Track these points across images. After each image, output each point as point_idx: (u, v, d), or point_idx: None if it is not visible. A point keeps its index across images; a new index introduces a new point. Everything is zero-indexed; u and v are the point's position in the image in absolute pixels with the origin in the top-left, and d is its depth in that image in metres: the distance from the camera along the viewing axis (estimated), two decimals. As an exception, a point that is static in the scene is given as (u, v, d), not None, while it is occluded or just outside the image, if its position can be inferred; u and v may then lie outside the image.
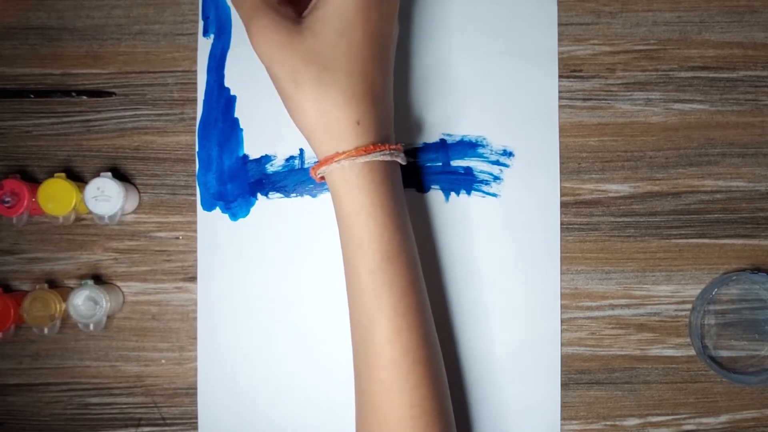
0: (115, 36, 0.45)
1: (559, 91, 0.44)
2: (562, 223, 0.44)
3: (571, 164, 0.44)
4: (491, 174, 0.44)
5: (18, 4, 0.45)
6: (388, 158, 0.36)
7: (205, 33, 0.45)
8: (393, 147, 0.37)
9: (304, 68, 0.35)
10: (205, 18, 0.45)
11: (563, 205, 0.44)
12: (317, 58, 0.35)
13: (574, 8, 0.45)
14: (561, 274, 0.44)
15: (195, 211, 0.44)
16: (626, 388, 0.44)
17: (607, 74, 0.45)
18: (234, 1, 0.36)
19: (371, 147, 0.35)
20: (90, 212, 0.42)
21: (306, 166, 0.44)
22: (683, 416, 0.44)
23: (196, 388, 0.44)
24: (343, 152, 0.35)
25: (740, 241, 0.44)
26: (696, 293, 0.44)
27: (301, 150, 0.44)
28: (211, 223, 0.44)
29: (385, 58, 0.37)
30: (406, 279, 0.37)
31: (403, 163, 0.38)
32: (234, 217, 0.44)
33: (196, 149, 0.45)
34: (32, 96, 0.44)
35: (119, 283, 0.44)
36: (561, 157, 0.44)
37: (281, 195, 0.44)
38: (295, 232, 0.44)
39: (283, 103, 0.37)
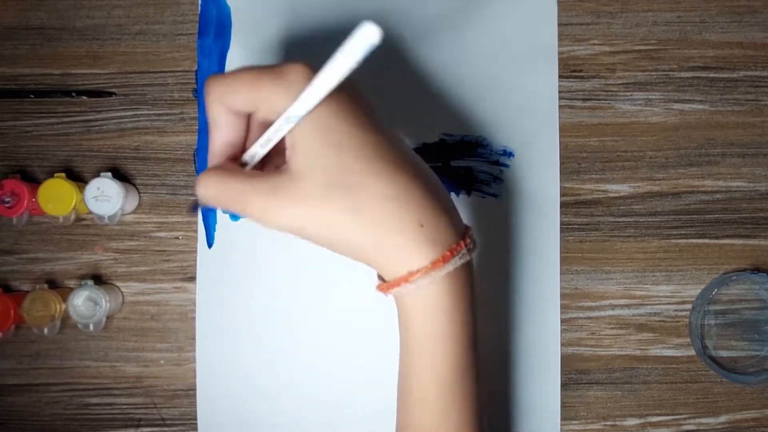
0: (115, 36, 0.45)
1: (559, 91, 0.44)
2: (562, 223, 0.44)
3: (571, 164, 0.44)
4: (491, 174, 0.44)
5: (18, 4, 0.45)
6: (467, 258, 0.31)
7: (206, 33, 0.45)
8: (468, 237, 0.31)
9: (331, 207, 0.30)
10: (206, 18, 0.45)
11: (563, 205, 0.44)
12: (335, 189, 0.30)
13: (574, 8, 0.45)
14: (561, 274, 0.44)
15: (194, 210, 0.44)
16: (626, 388, 0.44)
17: (607, 74, 0.45)
18: (225, 200, 0.31)
19: (447, 254, 0.30)
20: (90, 212, 0.42)
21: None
22: (683, 416, 0.44)
23: (195, 389, 0.44)
24: (417, 270, 0.30)
25: (740, 241, 0.44)
26: (696, 293, 0.44)
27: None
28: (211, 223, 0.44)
29: (393, 141, 0.32)
30: (475, 391, 0.33)
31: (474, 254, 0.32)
32: (234, 217, 0.44)
33: (196, 149, 0.45)
34: (32, 96, 0.44)
35: (119, 284, 0.44)
36: (561, 157, 0.44)
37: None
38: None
39: (329, 249, 0.32)
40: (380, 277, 0.33)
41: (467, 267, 0.32)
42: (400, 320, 0.32)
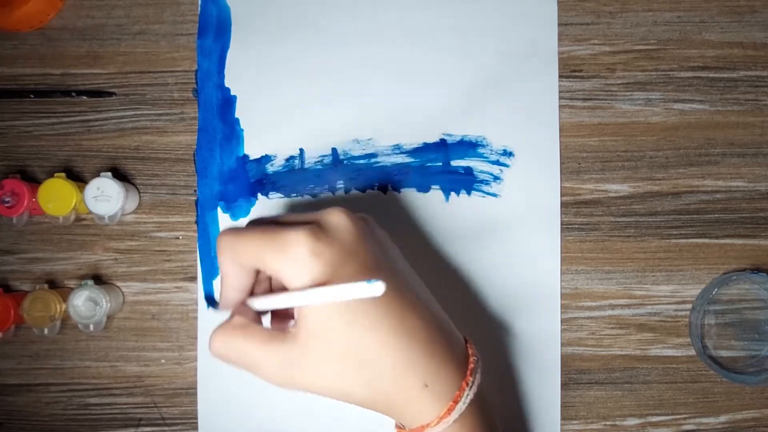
0: (115, 36, 0.45)
1: (559, 91, 0.44)
2: (562, 223, 0.44)
3: (571, 164, 0.44)
4: (491, 174, 0.44)
5: (18, 4, 0.45)
6: (471, 397, 0.33)
7: (206, 33, 0.45)
8: (469, 377, 0.33)
9: (342, 378, 0.31)
10: (206, 18, 0.45)
11: (563, 205, 0.44)
12: (345, 362, 0.31)
13: (574, 8, 0.45)
14: (561, 274, 0.44)
15: (195, 211, 0.44)
16: (626, 388, 0.44)
17: (607, 74, 0.45)
18: (237, 362, 0.33)
19: (452, 404, 0.32)
20: (90, 212, 0.42)
21: (306, 166, 0.44)
22: (683, 416, 0.44)
23: (195, 388, 0.44)
24: (427, 424, 0.32)
25: (740, 241, 0.44)
26: (696, 293, 0.44)
27: (301, 150, 0.44)
28: (212, 223, 0.44)
29: (404, 301, 0.33)
30: None
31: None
32: (234, 217, 0.44)
33: (196, 149, 0.45)
34: (32, 96, 0.44)
35: (119, 284, 0.44)
36: (561, 157, 0.44)
37: (281, 195, 0.44)
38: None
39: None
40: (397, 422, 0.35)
41: (477, 397, 0.33)
42: None
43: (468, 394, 0.33)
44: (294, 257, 0.31)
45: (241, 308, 0.34)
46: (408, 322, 0.32)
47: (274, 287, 0.36)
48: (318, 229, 0.31)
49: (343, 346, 0.31)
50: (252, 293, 0.35)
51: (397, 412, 0.33)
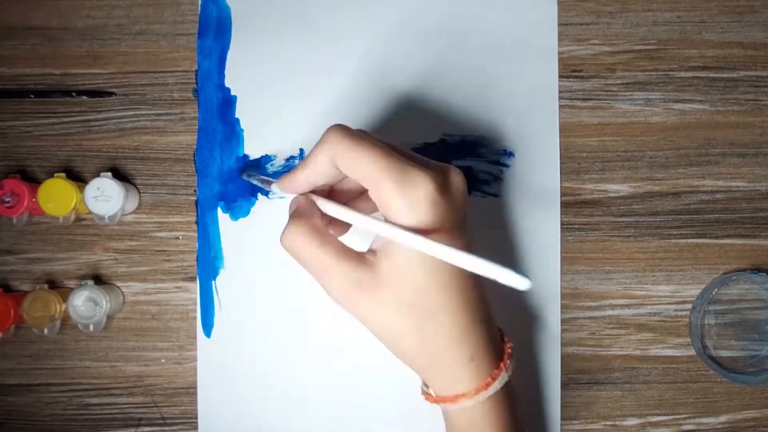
0: (116, 36, 0.45)
1: (559, 91, 0.44)
2: (562, 223, 0.44)
3: (571, 164, 0.44)
4: (491, 174, 0.44)
5: (19, 4, 0.45)
6: (506, 379, 0.34)
7: (206, 33, 0.45)
8: (507, 358, 0.34)
9: (403, 323, 0.32)
10: (206, 18, 0.45)
11: (563, 205, 0.44)
12: (412, 309, 0.32)
13: (574, 8, 0.45)
14: (561, 274, 0.44)
15: (195, 211, 0.44)
16: (626, 388, 0.44)
17: (607, 74, 0.45)
18: (306, 264, 0.33)
19: (489, 380, 0.33)
20: (90, 212, 0.42)
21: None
22: (683, 416, 0.44)
23: (195, 388, 0.44)
24: (463, 394, 0.33)
25: (740, 241, 0.44)
26: (696, 293, 0.44)
27: (301, 150, 0.44)
28: (211, 223, 0.44)
29: (472, 279, 0.34)
30: None
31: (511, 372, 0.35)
32: (234, 217, 0.44)
33: (196, 149, 0.45)
34: (32, 96, 0.44)
35: (119, 284, 0.44)
36: (561, 157, 0.44)
37: (282, 195, 0.44)
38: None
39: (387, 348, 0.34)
40: (425, 384, 0.35)
41: (508, 385, 0.35)
42: (447, 427, 0.36)
43: (504, 376, 0.34)
44: (413, 198, 0.31)
45: (306, 203, 0.34)
46: (471, 293, 0.34)
47: (336, 198, 0.35)
48: (442, 181, 0.32)
49: (415, 292, 0.32)
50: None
51: (434, 374, 0.34)
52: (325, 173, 0.33)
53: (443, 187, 0.32)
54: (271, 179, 0.38)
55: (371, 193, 0.32)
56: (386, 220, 0.32)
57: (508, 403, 0.35)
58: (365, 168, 0.31)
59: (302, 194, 0.35)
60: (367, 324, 0.33)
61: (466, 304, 0.33)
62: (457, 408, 0.33)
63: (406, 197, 0.31)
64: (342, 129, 0.32)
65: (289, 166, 0.44)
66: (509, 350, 0.35)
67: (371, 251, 0.33)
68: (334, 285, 0.32)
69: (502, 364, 0.34)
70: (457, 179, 0.33)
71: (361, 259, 0.32)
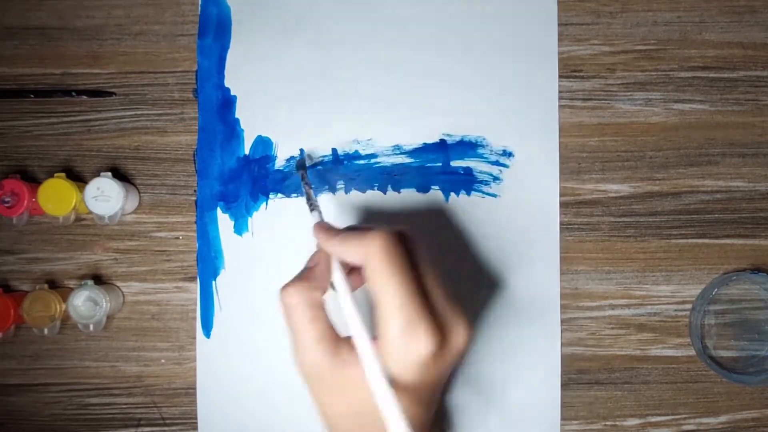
0: (116, 36, 0.45)
1: (559, 91, 0.44)
2: (562, 223, 0.44)
3: (571, 164, 0.44)
4: (491, 174, 0.44)
5: (18, 4, 0.45)
6: None
7: (206, 33, 0.45)
8: None
9: (345, 417, 0.34)
10: (206, 18, 0.45)
11: (563, 205, 0.44)
12: (357, 416, 0.33)
13: (574, 8, 0.45)
14: (561, 274, 0.44)
15: (195, 211, 0.44)
16: (626, 388, 0.44)
17: (607, 74, 0.45)
18: (289, 326, 0.34)
19: None
20: (90, 212, 0.42)
21: (306, 166, 0.44)
22: (683, 416, 0.44)
23: (195, 388, 0.44)
24: None
25: (740, 241, 0.44)
26: (696, 293, 0.44)
27: (301, 150, 0.44)
28: (211, 223, 0.44)
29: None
30: None
31: None
32: (234, 217, 0.44)
33: (196, 149, 0.45)
34: (32, 96, 0.44)
35: (119, 283, 0.44)
36: (561, 157, 0.44)
37: (282, 195, 0.44)
38: (295, 232, 0.44)
39: None
40: None
41: None
42: None
43: None
44: (407, 353, 0.31)
45: (322, 271, 0.35)
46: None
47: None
48: (444, 340, 0.32)
49: (364, 406, 0.32)
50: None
51: None
52: (351, 262, 0.34)
53: (443, 348, 0.32)
54: (314, 199, 0.40)
55: (377, 313, 0.32)
56: (373, 340, 0.32)
57: None
58: (383, 295, 0.32)
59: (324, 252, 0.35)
60: (327, 405, 0.34)
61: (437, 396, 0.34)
62: None
63: (401, 349, 0.31)
64: (386, 242, 0.32)
65: (290, 166, 0.44)
66: None
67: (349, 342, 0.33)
68: (305, 360, 0.33)
69: None
70: (459, 340, 0.33)
71: (336, 350, 0.33)
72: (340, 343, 0.33)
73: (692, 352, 0.44)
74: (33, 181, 0.44)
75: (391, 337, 0.31)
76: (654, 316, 0.44)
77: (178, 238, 0.45)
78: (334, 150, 0.44)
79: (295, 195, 0.44)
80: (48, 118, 0.45)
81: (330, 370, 0.32)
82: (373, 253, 0.32)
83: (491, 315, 0.44)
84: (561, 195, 0.44)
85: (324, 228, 0.36)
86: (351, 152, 0.44)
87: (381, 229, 0.33)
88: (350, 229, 0.35)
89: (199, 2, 0.45)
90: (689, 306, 0.44)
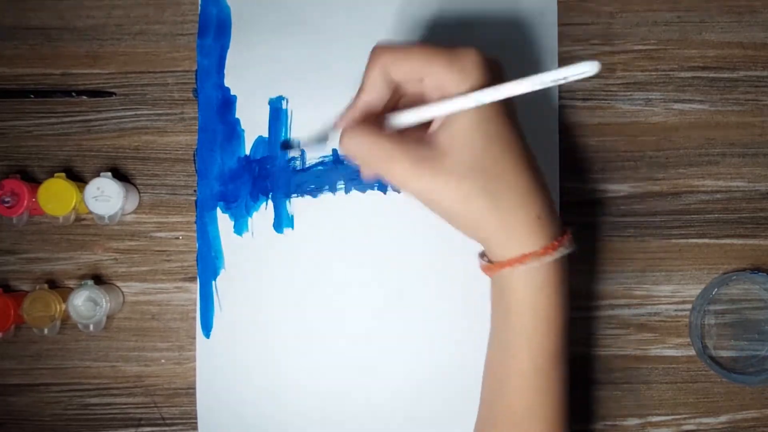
0: (116, 36, 0.45)
1: (559, 91, 0.44)
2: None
3: (571, 164, 0.44)
4: (491, 174, 0.44)
5: (18, 4, 0.45)
6: (569, 250, 0.35)
7: (206, 33, 0.45)
8: (569, 233, 0.35)
9: (469, 185, 0.33)
10: (206, 18, 0.45)
11: (563, 204, 0.44)
12: (476, 171, 0.33)
13: (574, 8, 0.45)
14: (561, 274, 0.44)
15: (195, 211, 0.44)
16: (626, 388, 0.44)
17: (607, 74, 0.45)
18: (368, 157, 0.34)
19: (556, 243, 0.34)
20: (90, 212, 0.42)
21: (307, 166, 0.44)
22: (683, 416, 0.44)
23: (195, 388, 0.44)
24: (530, 253, 0.34)
25: (740, 241, 0.44)
26: (696, 293, 0.44)
27: (302, 150, 0.44)
28: (211, 223, 0.44)
29: (528, 146, 0.36)
30: (566, 376, 0.36)
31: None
32: (234, 217, 0.44)
33: (196, 149, 0.45)
34: (32, 96, 0.44)
35: (119, 284, 0.44)
36: (561, 157, 0.44)
37: (282, 195, 0.44)
38: (295, 232, 0.44)
39: (450, 222, 0.35)
40: (484, 258, 0.36)
41: (566, 259, 0.35)
42: (501, 302, 0.36)
43: (569, 244, 0.35)
44: (466, 66, 0.33)
45: (371, 123, 0.35)
46: (530, 156, 0.35)
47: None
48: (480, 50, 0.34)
49: (478, 155, 0.33)
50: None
51: (501, 236, 0.34)
52: (380, 91, 0.35)
53: (488, 57, 0.34)
54: (321, 136, 0.40)
55: (426, 83, 0.34)
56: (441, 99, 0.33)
57: (566, 275, 0.35)
58: (417, 58, 0.33)
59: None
60: (435, 200, 0.34)
61: (528, 164, 0.34)
62: (524, 268, 0.34)
63: (457, 67, 0.33)
64: (384, 42, 0.35)
65: (291, 166, 0.44)
66: (569, 229, 0.36)
67: (427, 138, 0.34)
68: (397, 168, 0.33)
69: (567, 231, 0.35)
70: (498, 60, 0.35)
71: (419, 139, 0.34)
72: (418, 136, 0.34)
73: (692, 352, 0.44)
74: (33, 181, 0.44)
75: (446, 72, 0.33)
76: (654, 316, 0.44)
77: (178, 238, 0.45)
78: (334, 150, 0.44)
79: (295, 195, 0.44)
80: (48, 118, 0.45)
81: (426, 154, 0.33)
82: (384, 58, 0.34)
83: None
84: (561, 195, 0.44)
85: (341, 116, 0.36)
86: (351, 152, 0.44)
87: (373, 48, 0.35)
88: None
89: (199, 2, 0.45)
90: (689, 306, 0.44)
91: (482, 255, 0.37)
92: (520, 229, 0.34)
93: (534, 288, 0.34)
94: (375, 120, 0.35)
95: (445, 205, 0.34)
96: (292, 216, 0.44)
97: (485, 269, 0.36)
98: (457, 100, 0.33)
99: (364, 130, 0.34)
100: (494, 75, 0.34)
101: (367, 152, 0.34)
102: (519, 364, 0.35)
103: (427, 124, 0.35)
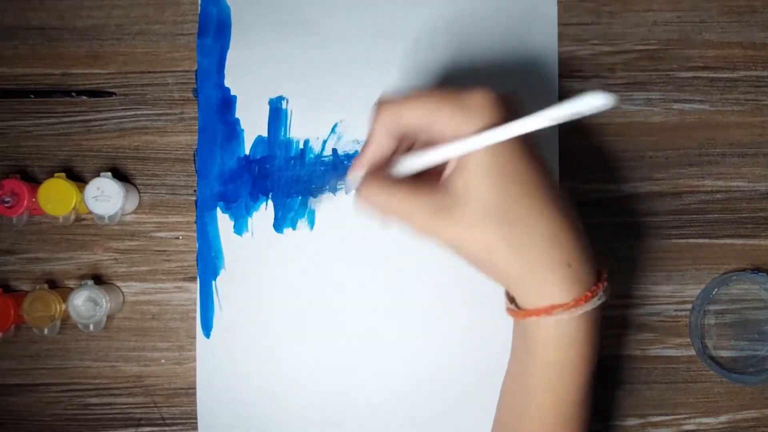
0: (115, 36, 0.45)
1: (559, 91, 0.44)
2: (562, 223, 0.44)
3: (571, 164, 0.44)
4: (491, 174, 0.44)
5: (18, 4, 0.45)
6: (604, 299, 0.33)
7: (206, 33, 0.45)
8: (605, 280, 0.33)
9: (492, 235, 0.31)
10: (206, 18, 0.45)
11: (563, 205, 0.44)
12: (497, 219, 0.31)
13: (574, 8, 0.45)
14: (561, 274, 0.44)
15: (195, 211, 0.44)
16: (626, 388, 0.44)
17: (607, 74, 0.45)
18: (385, 211, 0.33)
19: (588, 294, 0.32)
20: (90, 212, 0.42)
21: (307, 166, 0.44)
22: (683, 416, 0.44)
23: (195, 388, 0.44)
24: (559, 305, 0.31)
25: (740, 241, 0.44)
26: (696, 293, 0.44)
27: (302, 150, 0.44)
28: (211, 223, 0.44)
29: (553, 184, 0.33)
30: (588, 418, 0.35)
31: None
32: (234, 217, 0.44)
33: (196, 149, 0.45)
34: (32, 96, 0.44)
35: (119, 283, 0.44)
36: (561, 157, 0.44)
37: (282, 195, 0.44)
38: (295, 232, 0.44)
39: (475, 268, 0.33)
40: (512, 301, 0.34)
41: (600, 307, 0.33)
42: (526, 346, 0.34)
43: (603, 294, 0.33)
44: (474, 110, 0.32)
45: (384, 174, 0.34)
46: (559, 198, 0.33)
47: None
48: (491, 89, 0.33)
49: (497, 200, 0.31)
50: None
51: (528, 283, 0.32)
52: (386, 144, 0.34)
53: (501, 94, 0.32)
54: (338, 180, 0.40)
55: (437, 128, 0.32)
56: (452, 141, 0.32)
57: (598, 328, 0.33)
58: (423, 107, 0.32)
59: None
60: (458, 249, 0.33)
61: (554, 204, 0.32)
62: (551, 320, 0.32)
63: (467, 109, 0.31)
64: (387, 95, 0.34)
65: (290, 166, 0.44)
66: (606, 273, 0.33)
67: (439, 185, 0.33)
68: (417, 220, 0.32)
69: (603, 279, 0.33)
70: (512, 96, 0.33)
71: (434, 188, 0.33)
72: (432, 184, 0.33)
73: (692, 352, 0.44)
74: (33, 181, 0.44)
75: (454, 116, 0.31)
76: (654, 316, 0.44)
77: (178, 238, 0.45)
78: (334, 150, 0.44)
79: (295, 195, 0.44)
80: (48, 118, 0.45)
81: (442, 203, 0.32)
82: (389, 110, 0.33)
83: (492, 315, 0.44)
84: (561, 195, 0.44)
85: (352, 165, 0.35)
86: (351, 152, 0.44)
87: (375, 103, 0.34)
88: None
89: (199, 2, 0.45)
90: (689, 306, 0.44)
91: (508, 294, 0.35)
92: (548, 279, 0.31)
93: (563, 343, 0.32)
94: (387, 165, 0.34)
95: (468, 254, 0.33)
96: (293, 216, 0.44)
97: (510, 313, 0.34)
98: (467, 141, 0.31)
99: (380, 184, 0.33)
100: (510, 110, 0.32)
101: (384, 207, 0.33)
102: (540, 410, 0.34)
103: (441, 168, 0.34)
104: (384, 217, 0.34)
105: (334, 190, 0.44)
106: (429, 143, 0.34)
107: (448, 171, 0.33)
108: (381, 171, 0.34)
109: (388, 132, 0.33)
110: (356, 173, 0.35)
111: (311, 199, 0.43)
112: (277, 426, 0.44)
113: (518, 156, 0.32)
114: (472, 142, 0.31)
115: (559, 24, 0.45)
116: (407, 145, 0.35)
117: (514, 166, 0.32)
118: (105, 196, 0.42)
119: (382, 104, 0.34)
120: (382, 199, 0.33)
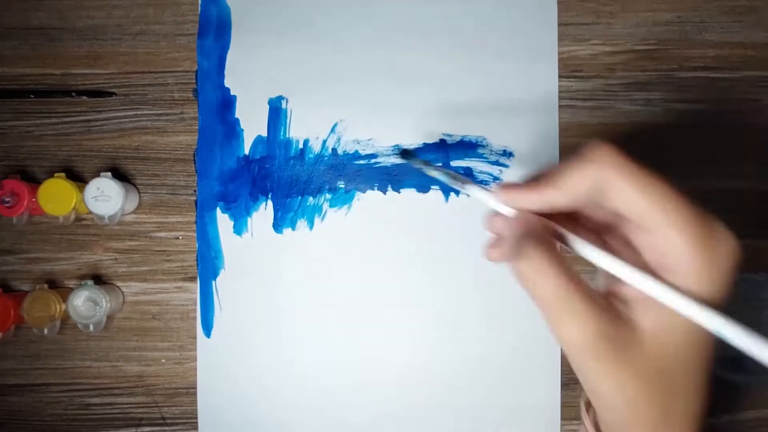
0: (116, 36, 0.45)
1: (559, 91, 0.44)
2: (562, 223, 0.44)
3: (571, 164, 0.44)
4: (491, 174, 0.44)
5: (18, 4, 0.45)
6: None
7: (206, 33, 0.45)
8: None
9: (645, 395, 0.26)
10: (206, 18, 0.45)
11: (563, 205, 0.44)
12: (661, 381, 0.27)
13: (574, 8, 0.45)
14: (561, 274, 0.44)
15: (195, 211, 0.44)
16: (626, 388, 0.44)
17: (607, 74, 0.45)
18: (543, 299, 0.27)
19: None
20: (90, 212, 0.42)
21: (306, 166, 0.44)
22: (683, 416, 0.44)
23: (195, 388, 0.44)
24: None
25: (741, 242, 0.44)
26: (696, 293, 0.44)
27: (302, 150, 0.44)
28: (211, 223, 0.44)
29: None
30: None
31: None
32: (234, 217, 0.44)
33: (196, 149, 0.45)
34: (32, 96, 0.44)
35: (119, 283, 0.44)
36: (561, 157, 0.44)
37: (282, 195, 0.44)
38: (295, 232, 0.44)
39: (588, 393, 0.28)
40: (596, 427, 0.31)
41: None
42: None
43: None
44: (717, 264, 0.25)
45: (542, 225, 0.27)
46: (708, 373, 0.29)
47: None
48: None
49: (672, 363, 0.26)
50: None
51: None
52: (578, 198, 0.27)
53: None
54: (459, 175, 0.33)
55: (644, 238, 0.26)
56: (663, 280, 0.26)
57: None
58: (650, 205, 0.25)
59: (529, 213, 0.28)
60: (598, 386, 0.26)
61: (705, 384, 0.28)
62: None
63: (707, 261, 0.25)
64: (616, 149, 0.26)
65: (290, 165, 0.44)
66: None
67: (617, 298, 0.27)
68: (575, 333, 0.26)
69: None
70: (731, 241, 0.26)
71: (610, 307, 0.26)
72: (605, 299, 0.27)
73: (692, 352, 0.44)
74: (33, 181, 0.44)
75: (686, 257, 0.24)
76: (654, 316, 0.44)
77: (178, 238, 0.45)
78: (334, 150, 0.44)
79: (295, 195, 0.44)
80: (48, 119, 0.45)
81: (617, 335, 0.25)
82: (607, 172, 0.25)
83: (491, 315, 0.44)
84: (561, 195, 0.44)
85: (509, 186, 0.28)
86: (351, 152, 0.44)
87: (597, 145, 0.26)
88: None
89: (199, 2, 0.45)
90: (689, 306, 0.44)
91: (593, 417, 0.31)
92: None
93: None
94: (550, 224, 0.28)
95: (600, 390, 0.27)
96: (292, 216, 0.44)
97: None
98: (695, 305, 0.25)
99: (554, 268, 0.26)
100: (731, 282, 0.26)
101: (546, 295, 0.27)
102: None
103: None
104: (533, 297, 0.27)
105: (333, 190, 0.44)
106: (607, 226, 0.28)
107: (631, 296, 0.27)
108: (549, 239, 0.27)
109: (591, 189, 0.26)
110: (509, 202, 0.29)
111: (456, 182, 0.34)
112: (277, 425, 0.44)
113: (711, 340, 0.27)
114: (699, 310, 0.25)
115: (559, 24, 0.45)
116: (585, 217, 0.29)
117: (700, 336, 0.27)
118: (105, 196, 0.42)
119: (605, 151, 0.26)
120: (552, 287, 0.26)
